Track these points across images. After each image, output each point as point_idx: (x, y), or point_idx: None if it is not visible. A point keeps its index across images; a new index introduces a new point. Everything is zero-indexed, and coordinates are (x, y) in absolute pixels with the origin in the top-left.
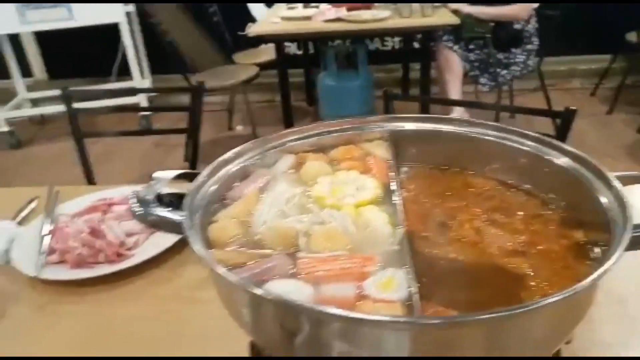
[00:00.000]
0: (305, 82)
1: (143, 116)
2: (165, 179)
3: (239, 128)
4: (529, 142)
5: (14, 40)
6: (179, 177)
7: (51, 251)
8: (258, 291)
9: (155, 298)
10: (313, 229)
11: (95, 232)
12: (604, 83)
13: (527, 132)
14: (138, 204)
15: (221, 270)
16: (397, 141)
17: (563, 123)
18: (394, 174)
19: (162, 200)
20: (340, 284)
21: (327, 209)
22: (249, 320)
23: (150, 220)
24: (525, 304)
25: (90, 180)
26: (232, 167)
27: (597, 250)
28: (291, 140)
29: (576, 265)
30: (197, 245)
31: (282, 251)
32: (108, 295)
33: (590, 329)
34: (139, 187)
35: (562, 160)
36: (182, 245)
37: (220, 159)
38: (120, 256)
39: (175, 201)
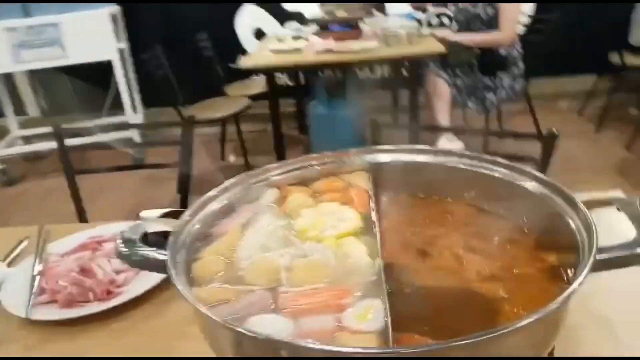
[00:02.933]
0: (297, 111)
1: (136, 150)
2: (151, 219)
3: (232, 158)
4: (501, 169)
5: (7, 79)
6: (166, 215)
7: (41, 291)
8: (238, 328)
9: (145, 334)
10: (294, 262)
11: (85, 271)
12: (591, 102)
13: (498, 159)
14: (123, 245)
15: (202, 308)
16: (376, 172)
17: (546, 146)
18: (373, 204)
19: (147, 239)
20: (319, 317)
21: (308, 241)
22: (232, 356)
23: (134, 260)
24: (490, 330)
25: (81, 216)
26: (217, 204)
27: (570, 272)
28: (275, 175)
29: (551, 288)
30: (179, 285)
31: (264, 286)
32: (99, 333)
33: (575, 352)
34: (127, 225)
35: (532, 185)
36: (170, 281)
37: (205, 196)
38: (110, 294)
39: (161, 240)
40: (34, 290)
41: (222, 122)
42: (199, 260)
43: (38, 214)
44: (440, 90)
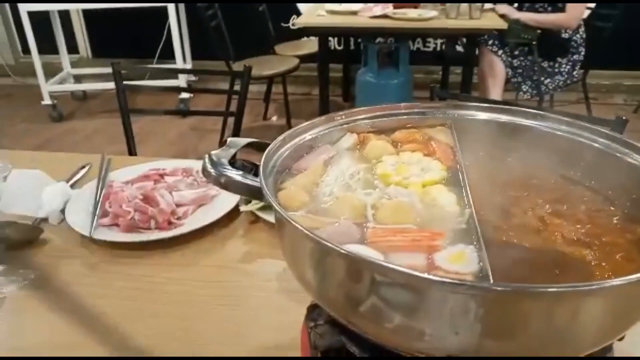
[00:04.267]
0: (343, 77)
1: (181, 100)
2: (239, 144)
3: (274, 118)
4: (600, 139)
5: (63, 17)
6: (250, 145)
7: (104, 214)
8: (336, 246)
9: (203, 267)
10: (381, 202)
11: (148, 199)
12: None
13: (599, 128)
14: (211, 165)
15: (299, 225)
16: (459, 129)
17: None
18: (458, 158)
19: (233, 164)
20: (410, 254)
21: (392, 186)
22: (317, 279)
23: (223, 181)
24: (594, 282)
25: (132, 155)
26: (300, 140)
27: None
28: (357, 120)
29: None
30: (275, 204)
31: (350, 220)
32: (157, 261)
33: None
34: (189, 160)
35: (633, 158)
36: (227, 219)
37: (290, 130)
38: (170, 224)
39: (244, 167)
40: (97, 211)
41: (269, 80)
42: (284, 190)
43: (87, 150)
44: (496, 69)
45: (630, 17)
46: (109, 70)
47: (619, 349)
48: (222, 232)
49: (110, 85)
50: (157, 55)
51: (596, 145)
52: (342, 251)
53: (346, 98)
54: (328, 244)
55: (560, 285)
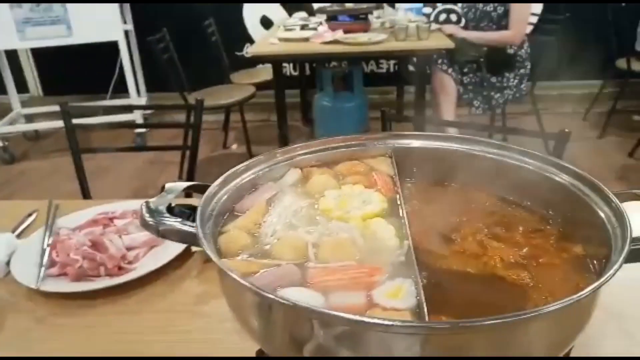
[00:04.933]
0: (301, 102)
1: (138, 134)
2: (176, 190)
3: (234, 146)
4: (529, 160)
5: (11, 56)
6: (190, 188)
7: (52, 264)
8: (272, 295)
9: (156, 312)
10: (322, 239)
11: (96, 246)
12: (595, 108)
13: (527, 150)
14: (149, 214)
15: (234, 274)
16: (400, 158)
17: (557, 145)
18: (398, 188)
19: (171, 211)
20: (349, 293)
21: (334, 221)
22: (259, 326)
23: (161, 230)
24: (529, 311)
25: (85, 195)
26: (242, 180)
27: (595, 263)
28: (298, 155)
29: (576, 278)
30: (211, 253)
31: (292, 261)
32: (108, 309)
33: (588, 344)
34: (139, 201)
35: (562, 177)
36: (180, 260)
37: (231, 171)
38: (121, 269)
39: (183, 212)
40: (44, 262)
41: (226, 109)
42: (225, 234)
43: (40, 192)
44: (447, 87)
45: (571, 31)
46: (56, 108)
47: None
48: (175, 274)
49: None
50: (110, 90)
51: (526, 165)
52: (277, 299)
53: (305, 122)
54: (263, 292)
55: (484, 318)
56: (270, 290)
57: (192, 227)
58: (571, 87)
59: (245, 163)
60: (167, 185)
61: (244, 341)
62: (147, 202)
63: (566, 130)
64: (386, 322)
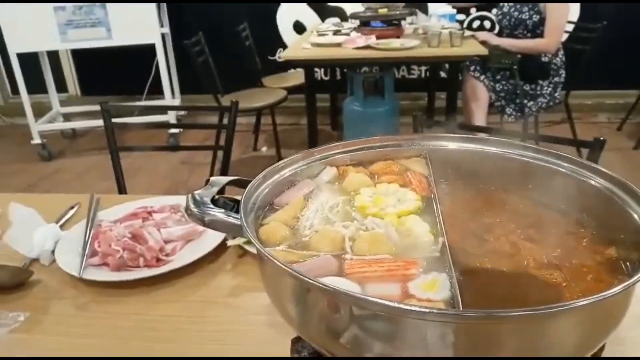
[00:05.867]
0: (331, 107)
1: (171, 134)
2: (220, 183)
3: (264, 149)
4: (565, 164)
5: (52, 56)
6: (232, 183)
7: (93, 253)
8: (313, 280)
9: (191, 303)
10: (358, 233)
11: (136, 238)
12: (631, 118)
13: (563, 154)
14: (194, 205)
15: (277, 261)
16: (434, 159)
17: (591, 153)
18: (433, 188)
19: (215, 203)
20: (385, 284)
21: (369, 217)
22: (297, 312)
23: (206, 220)
24: (562, 304)
25: (121, 192)
26: (280, 176)
27: (629, 266)
28: (334, 154)
29: (609, 279)
30: (254, 241)
31: (329, 253)
32: (146, 298)
33: (620, 350)
34: (176, 197)
35: (597, 181)
36: (215, 254)
37: (270, 167)
38: (159, 261)
39: (226, 204)
40: (86, 252)
41: (258, 112)
42: (266, 226)
43: (76, 189)
44: (479, 94)
45: (607, 39)
46: (97, 107)
47: None
48: (210, 267)
49: (100, 122)
50: (145, 92)
51: (561, 169)
52: (318, 284)
53: (334, 127)
54: (305, 277)
55: (521, 309)
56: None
57: (237, 218)
58: (606, 96)
59: (284, 160)
60: (212, 179)
61: (276, 333)
62: (192, 194)
63: (601, 138)
64: (423, 310)
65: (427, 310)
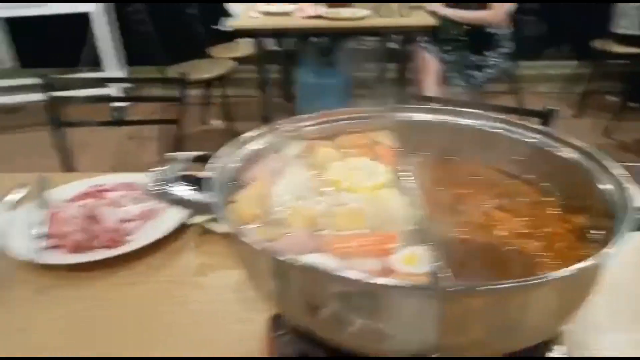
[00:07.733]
0: (283, 78)
1: (115, 108)
2: (185, 159)
3: (215, 123)
4: (532, 134)
5: None
6: (196, 159)
7: (47, 236)
8: (289, 259)
9: (156, 283)
10: (333, 210)
11: (92, 218)
12: (571, 88)
13: (530, 125)
14: (155, 183)
15: (251, 239)
16: (402, 131)
17: (544, 123)
18: (402, 160)
19: (177, 180)
20: (365, 260)
21: (343, 192)
22: (275, 290)
23: (169, 200)
24: (544, 275)
25: (69, 169)
26: (244, 150)
27: (597, 234)
28: (301, 127)
29: (580, 247)
30: (226, 220)
31: (304, 229)
32: (106, 281)
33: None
34: (129, 174)
35: (564, 151)
36: (178, 232)
37: (234, 141)
38: (117, 242)
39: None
40: (39, 234)
41: (207, 83)
42: (235, 203)
43: (19, 166)
44: (429, 65)
45: (548, 12)
46: (34, 81)
47: None
48: (172, 247)
49: (38, 96)
50: (84, 61)
51: (528, 140)
52: (299, 263)
53: (288, 99)
54: (284, 257)
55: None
56: (287, 255)
57: (205, 196)
58: (549, 67)
59: (248, 134)
60: (175, 155)
61: (249, 310)
62: (155, 171)
63: (553, 108)
64: (404, 285)
65: (408, 285)
